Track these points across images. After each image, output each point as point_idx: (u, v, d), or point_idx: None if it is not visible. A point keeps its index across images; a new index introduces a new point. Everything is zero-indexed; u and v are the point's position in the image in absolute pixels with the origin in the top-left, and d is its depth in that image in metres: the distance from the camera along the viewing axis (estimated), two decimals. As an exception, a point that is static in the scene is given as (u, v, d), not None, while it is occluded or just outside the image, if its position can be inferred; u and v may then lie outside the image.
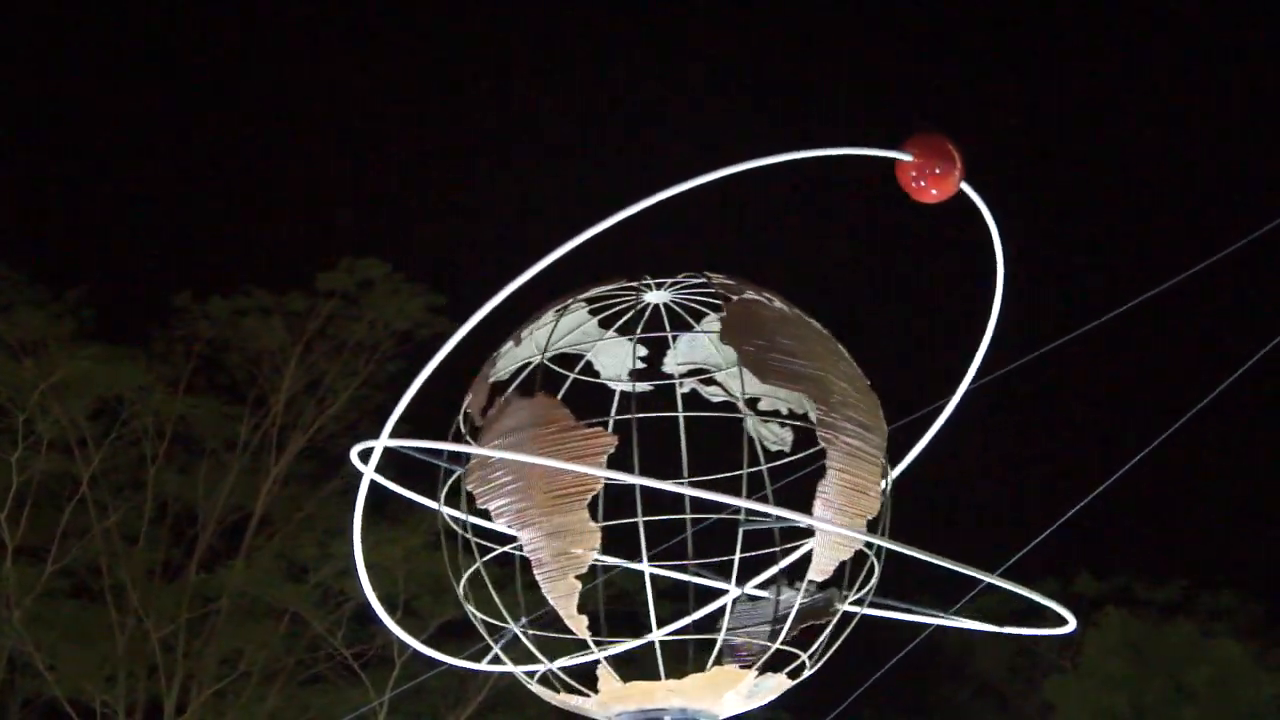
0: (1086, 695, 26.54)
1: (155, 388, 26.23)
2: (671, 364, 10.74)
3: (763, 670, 9.61)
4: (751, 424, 10.41)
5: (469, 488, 9.60)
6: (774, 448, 10.66)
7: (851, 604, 9.70)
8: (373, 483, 10.51)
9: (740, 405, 10.28)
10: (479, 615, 10.02)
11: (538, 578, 9.30)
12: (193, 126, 40.33)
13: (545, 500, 9.22)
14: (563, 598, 9.22)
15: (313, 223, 36.14)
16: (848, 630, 9.85)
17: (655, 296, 10.23)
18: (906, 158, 9.40)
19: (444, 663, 11.37)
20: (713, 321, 10.24)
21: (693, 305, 10.34)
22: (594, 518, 9.41)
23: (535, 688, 9.89)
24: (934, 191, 9.40)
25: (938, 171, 9.38)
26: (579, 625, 9.25)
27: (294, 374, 27.15)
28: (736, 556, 9.51)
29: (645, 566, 9.71)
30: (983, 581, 9.53)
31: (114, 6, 38.88)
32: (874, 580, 9.73)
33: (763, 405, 10.40)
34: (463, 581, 9.93)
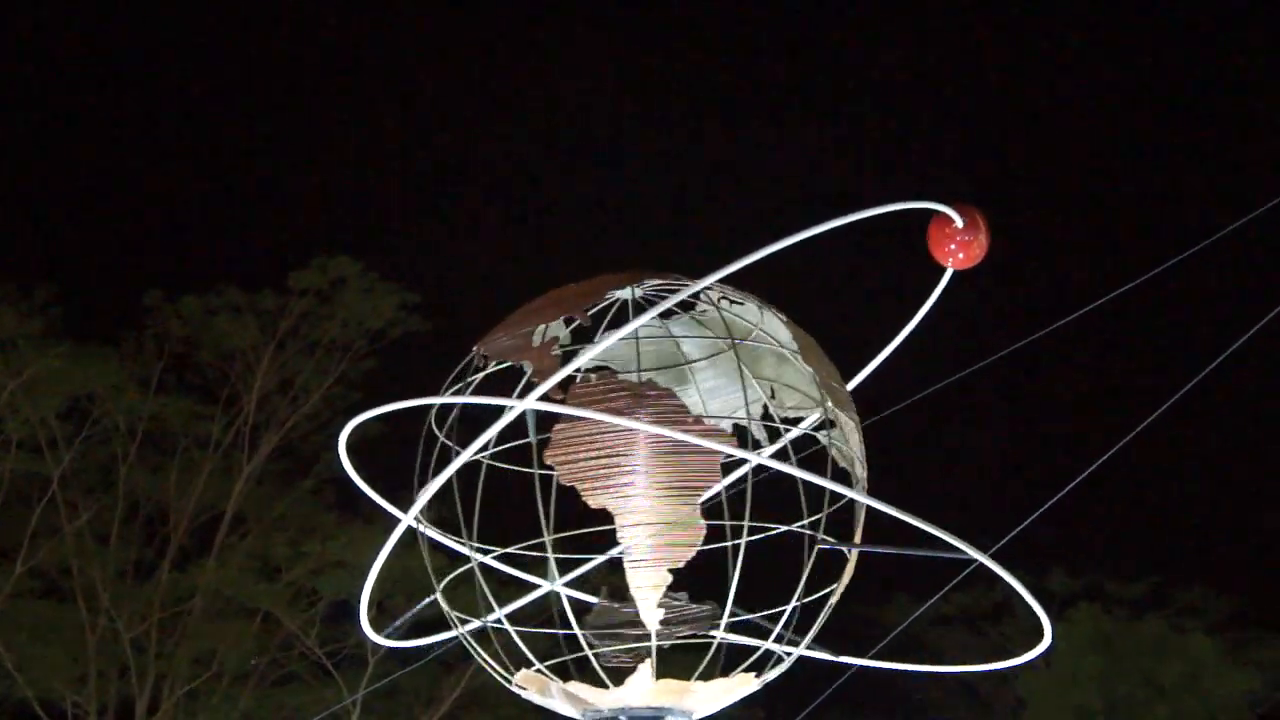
0: (1058, 691, 26.68)
1: (126, 386, 26.08)
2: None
3: (756, 671, 9.67)
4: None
5: (552, 460, 9.29)
6: None
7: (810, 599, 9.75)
8: (348, 476, 10.41)
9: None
10: (453, 613, 9.99)
11: (627, 565, 9.13)
12: (164, 123, 40.17)
13: (656, 489, 9.03)
14: (649, 588, 9.09)
15: (285, 220, 36.03)
16: (818, 626, 9.90)
17: (626, 293, 10.17)
18: (959, 222, 9.83)
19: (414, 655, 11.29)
20: (650, 325, 10.20)
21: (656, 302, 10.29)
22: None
23: (529, 673, 9.67)
24: (961, 255, 9.93)
25: (969, 239, 9.95)
26: (652, 619, 9.15)
27: (266, 373, 27.05)
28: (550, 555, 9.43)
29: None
30: (975, 562, 9.66)
31: (82, 4, 38.66)
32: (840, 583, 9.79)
33: None
34: (443, 583, 9.87)
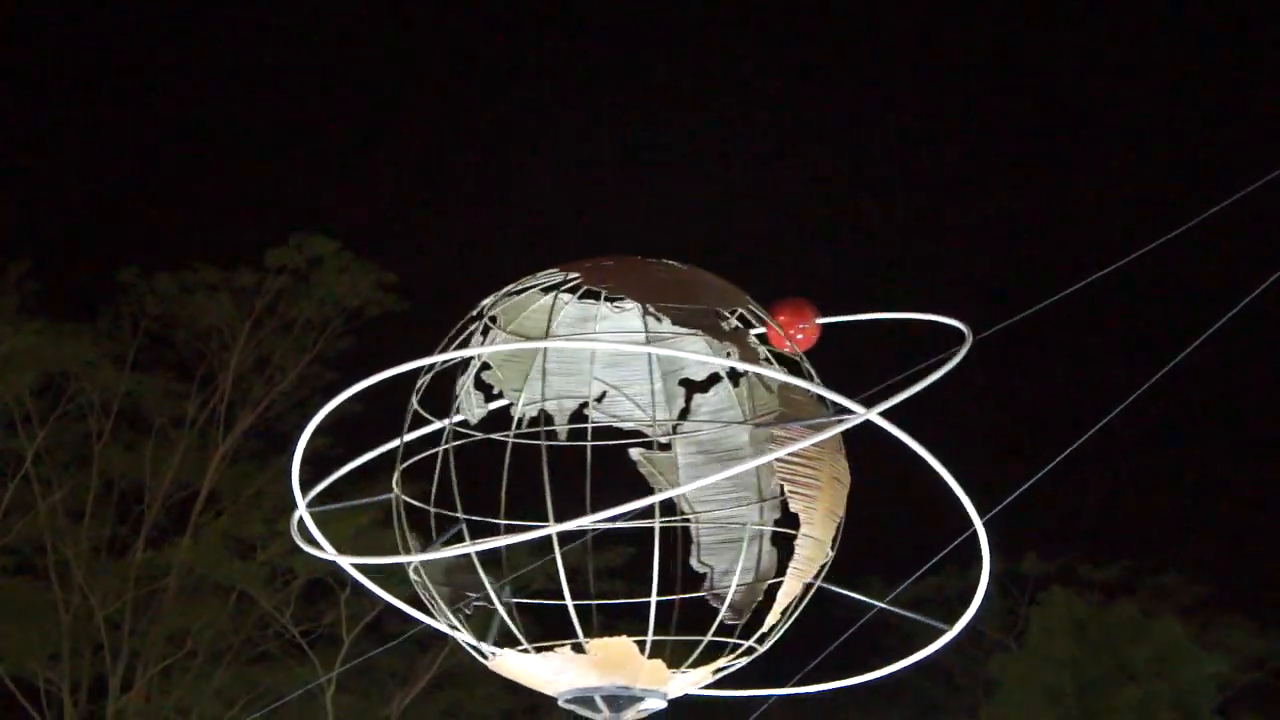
0: (1030, 673, 26.81)
1: (101, 364, 25.99)
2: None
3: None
4: (470, 383, 10.50)
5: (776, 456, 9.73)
6: (464, 414, 10.64)
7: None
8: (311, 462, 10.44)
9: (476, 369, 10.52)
10: (433, 588, 10.02)
11: (791, 568, 9.70)
12: (140, 99, 39.92)
13: (824, 510, 9.70)
14: (785, 595, 9.73)
15: (262, 198, 35.89)
16: (796, 613, 9.96)
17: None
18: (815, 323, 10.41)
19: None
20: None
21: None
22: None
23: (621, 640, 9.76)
24: (799, 338, 10.40)
25: (802, 337, 10.44)
26: (774, 619, 9.75)
27: (242, 351, 26.97)
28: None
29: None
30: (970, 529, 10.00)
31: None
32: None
33: (485, 375, 10.59)
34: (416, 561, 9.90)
